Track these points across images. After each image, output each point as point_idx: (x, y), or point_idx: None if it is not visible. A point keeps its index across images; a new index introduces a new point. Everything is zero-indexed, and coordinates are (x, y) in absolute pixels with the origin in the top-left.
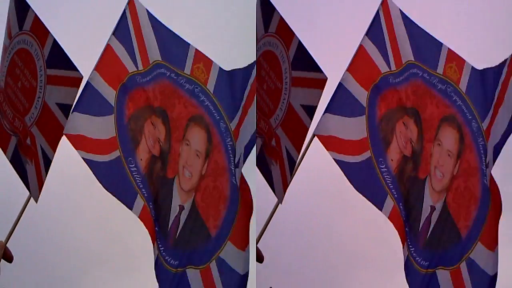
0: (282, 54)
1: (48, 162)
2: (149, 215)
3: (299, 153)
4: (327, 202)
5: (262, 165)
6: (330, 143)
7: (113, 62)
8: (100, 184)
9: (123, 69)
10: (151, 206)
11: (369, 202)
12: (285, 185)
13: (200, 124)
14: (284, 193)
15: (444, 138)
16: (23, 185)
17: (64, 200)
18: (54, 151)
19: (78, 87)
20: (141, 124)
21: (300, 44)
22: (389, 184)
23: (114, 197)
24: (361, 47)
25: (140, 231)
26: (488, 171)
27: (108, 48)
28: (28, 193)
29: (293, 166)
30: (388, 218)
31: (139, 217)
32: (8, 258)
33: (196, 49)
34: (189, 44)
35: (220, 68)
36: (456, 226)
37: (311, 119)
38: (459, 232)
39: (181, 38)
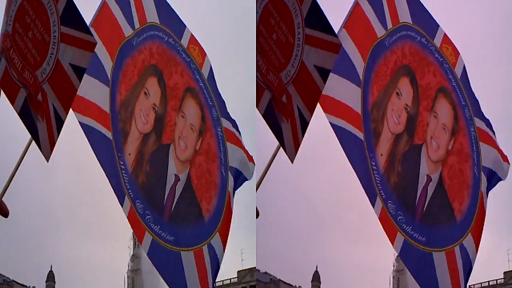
0: (295, 7)
1: (60, 122)
2: (135, 215)
3: (311, 115)
4: (304, 169)
5: (272, 120)
6: (327, 104)
7: (110, 23)
8: (94, 154)
9: (120, 32)
10: (137, 203)
11: (340, 171)
12: (297, 145)
13: (196, 99)
14: (296, 153)
15: (440, 111)
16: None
17: (40, 163)
18: (67, 112)
19: (92, 51)
20: (132, 107)
21: (314, 1)
22: (378, 184)
23: (88, 163)
24: (357, 5)
25: (110, 195)
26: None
27: (104, 6)
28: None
29: (305, 126)
30: (379, 219)
31: (127, 217)
32: (4, 213)
33: (191, 34)
34: (185, 26)
35: (211, 66)
36: (451, 206)
37: (325, 82)
38: (453, 214)
39: (179, 17)
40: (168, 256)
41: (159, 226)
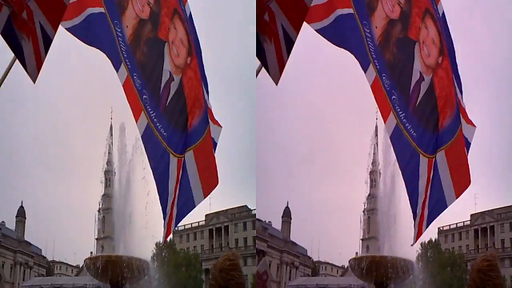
0: None
1: (48, 41)
2: (132, 86)
3: (297, 33)
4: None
5: (255, 42)
6: (309, 15)
7: None
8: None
9: None
10: (135, 77)
11: (314, 106)
12: (282, 66)
13: (183, 25)
14: (280, 75)
15: (429, 28)
16: None
17: (10, 99)
18: (55, 29)
19: None
20: None
21: None
22: (372, 53)
23: (61, 100)
24: None
25: (82, 135)
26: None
27: None
28: None
29: (291, 46)
30: (371, 87)
31: (123, 86)
32: None
33: None
34: None
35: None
36: (438, 116)
37: None
38: (437, 122)
39: None
40: (161, 152)
41: (155, 114)
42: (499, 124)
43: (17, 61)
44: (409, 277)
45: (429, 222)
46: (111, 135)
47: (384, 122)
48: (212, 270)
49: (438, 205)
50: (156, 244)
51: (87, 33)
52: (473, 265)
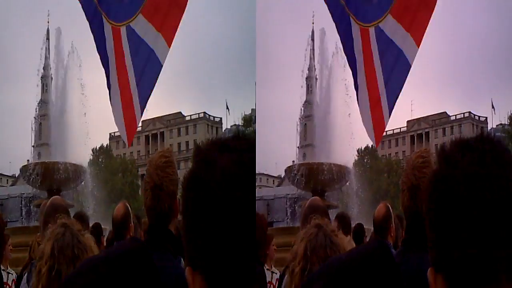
0: None
1: None
2: None
3: None
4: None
5: None
6: None
7: None
8: None
9: None
10: None
11: None
12: None
13: None
14: None
15: None
16: None
17: None
18: None
19: None
20: None
21: None
22: None
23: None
24: None
25: (17, 39)
26: None
27: None
28: None
29: None
30: None
31: None
32: None
33: None
34: None
35: None
36: None
37: None
38: None
39: None
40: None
41: None
42: (437, 31)
43: None
44: (345, 184)
45: (393, 101)
46: (48, 39)
47: None
48: (147, 167)
49: (401, 70)
50: (92, 150)
51: None
52: (407, 162)
